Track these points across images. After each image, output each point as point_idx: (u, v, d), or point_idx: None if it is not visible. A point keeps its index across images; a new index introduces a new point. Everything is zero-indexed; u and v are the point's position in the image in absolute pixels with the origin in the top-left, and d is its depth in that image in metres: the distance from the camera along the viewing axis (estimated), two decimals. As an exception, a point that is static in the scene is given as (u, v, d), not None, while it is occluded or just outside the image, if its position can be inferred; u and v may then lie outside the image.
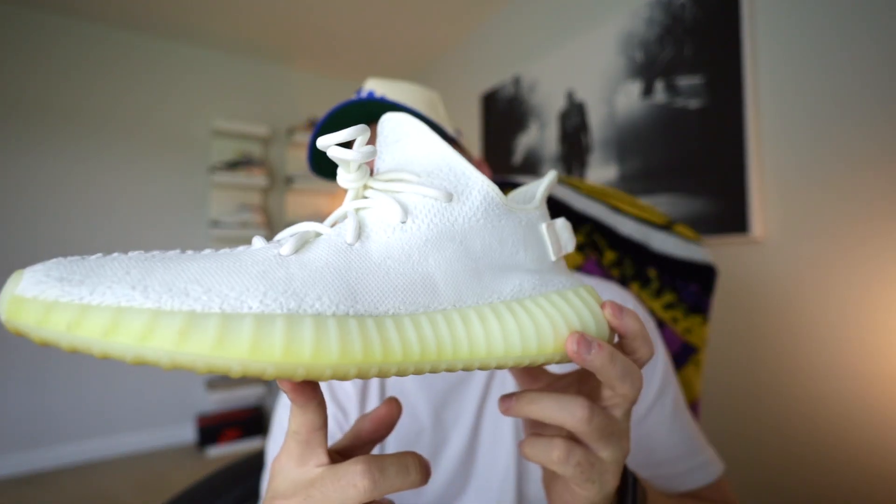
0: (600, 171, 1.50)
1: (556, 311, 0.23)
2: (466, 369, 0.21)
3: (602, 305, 0.25)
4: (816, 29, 0.99)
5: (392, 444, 0.46)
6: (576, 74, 1.60)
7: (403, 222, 0.22)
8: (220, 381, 2.28)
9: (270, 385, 2.48)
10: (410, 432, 0.46)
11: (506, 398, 0.25)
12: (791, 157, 1.02)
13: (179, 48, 2.33)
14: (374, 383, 0.49)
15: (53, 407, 2.02)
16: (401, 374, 0.19)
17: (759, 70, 1.09)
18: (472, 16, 2.07)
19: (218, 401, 2.24)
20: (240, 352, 0.16)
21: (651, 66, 1.34)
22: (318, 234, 0.21)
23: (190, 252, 0.19)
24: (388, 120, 0.25)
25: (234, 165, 2.34)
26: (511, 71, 1.93)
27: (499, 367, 0.22)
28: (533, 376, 0.29)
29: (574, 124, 1.61)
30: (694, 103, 1.22)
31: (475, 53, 2.19)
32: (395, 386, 0.48)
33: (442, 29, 2.18)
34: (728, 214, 1.12)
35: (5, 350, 1.94)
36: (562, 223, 0.26)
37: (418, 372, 0.20)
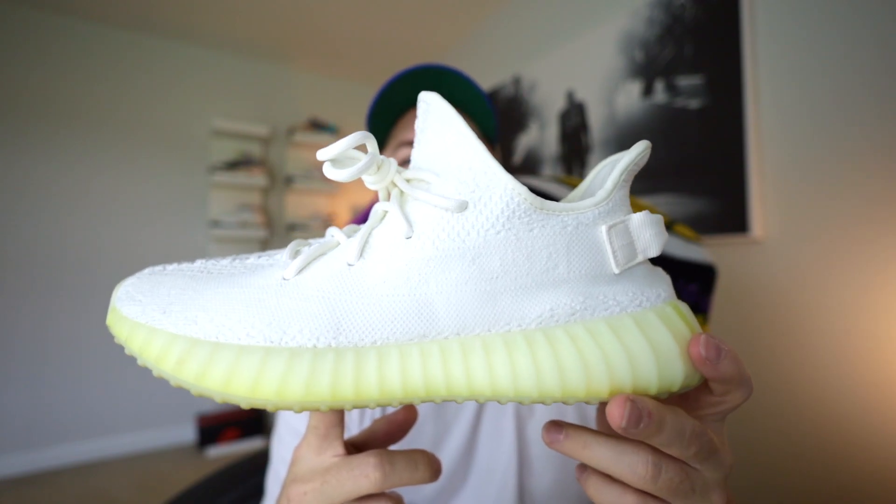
0: (600, 171, 1.50)
1: (596, 350, 0.18)
2: (473, 400, 0.19)
3: (691, 343, 0.19)
4: (816, 29, 0.99)
5: None
6: (576, 74, 1.60)
7: (409, 238, 0.19)
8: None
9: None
10: None
11: (553, 429, 0.21)
12: (791, 157, 1.02)
13: (179, 48, 2.33)
14: None
15: (53, 407, 2.02)
16: (386, 405, 0.18)
17: (759, 70, 1.09)
18: (472, 16, 2.07)
19: (218, 401, 2.24)
20: (216, 383, 0.17)
21: (651, 66, 1.34)
22: (338, 244, 0.21)
23: (229, 262, 0.21)
24: (421, 101, 0.21)
25: (233, 165, 2.34)
26: (511, 71, 1.93)
27: (516, 402, 0.19)
28: None
29: (574, 124, 1.61)
30: (694, 103, 1.22)
31: (475, 53, 2.19)
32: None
33: (442, 29, 2.18)
34: (728, 214, 1.12)
35: (5, 350, 1.94)
36: (641, 219, 0.20)
37: (405, 403, 0.19)
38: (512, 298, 0.19)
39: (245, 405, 0.17)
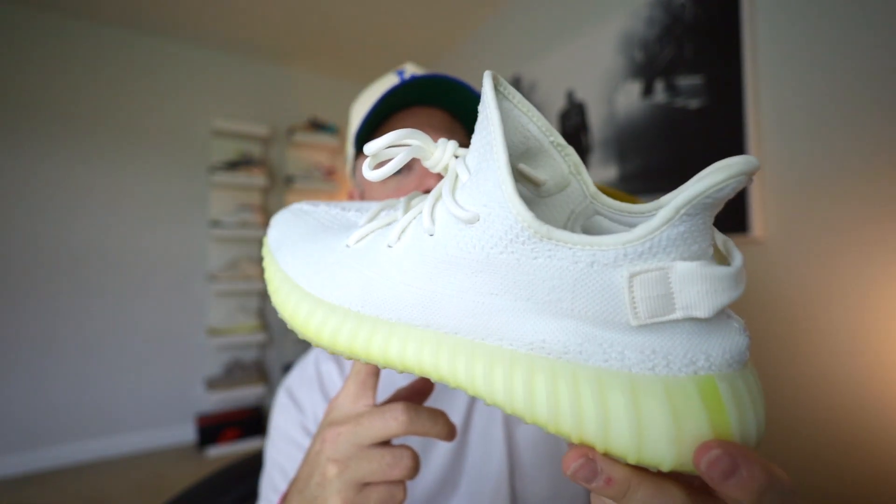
0: (600, 171, 1.50)
1: (571, 398, 0.16)
2: (462, 389, 0.21)
3: (701, 447, 0.15)
4: (817, 29, 0.98)
5: None
6: (576, 74, 1.60)
7: (431, 235, 0.20)
8: (219, 380, 2.28)
9: (269, 385, 2.48)
10: None
11: (577, 454, 0.17)
12: (791, 157, 1.02)
13: (179, 48, 2.33)
14: None
15: (53, 407, 2.02)
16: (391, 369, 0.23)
17: (759, 70, 1.09)
18: (472, 16, 2.07)
19: (218, 401, 2.24)
20: (287, 314, 0.25)
21: (651, 66, 1.34)
22: (394, 220, 0.24)
23: (343, 213, 0.29)
24: (486, 77, 0.20)
25: (233, 165, 2.34)
26: (511, 71, 1.93)
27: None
28: None
29: (574, 124, 1.61)
30: (694, 103, 1.22)
31: (475, 53, 2.19)
32: (385, 380, 0.48)
33: (442, 29, 2.18)
34: (728, 214, 1.12)
35: (5, 350, 1.94)
36: (690, 270, 0.15)
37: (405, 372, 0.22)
38: (508, 317, 0.18)
39: (298, 335, 0.25)
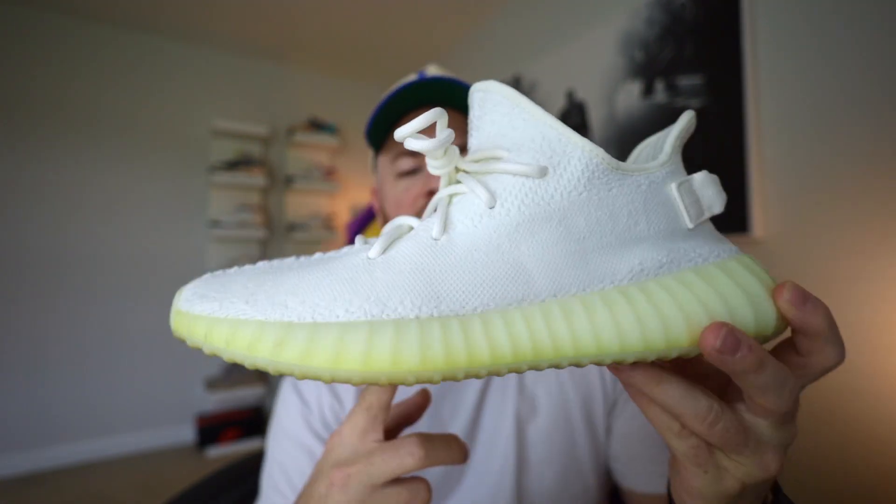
0: (600, 171, 1.50)
1: (692, 296, 0.18)
2: (575, 365, 0.19)
3: (777, 288, 0.19)
4: (817, 28, 0.98)
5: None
6: (576, 74, 1.60)
7: (491, 208, 0.19)
8: (219, 381, 2.28)
9: (270, 385, 2.48)
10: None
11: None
12: (791, 157, 1.02)
13: (179, 47, 2.33)
14: None
15: (53, 407, 2.02)
16: (495, 374, 0.18)
17: (759, 70, 1.09)
18: (472, 16, 2.07)
19: (218, 401, 2.24)
20: (324, 361, 0.16)
21: (651, 65, 1.34)
22: (411, 228, 0.21)
23: (294, 260, 0.21)
24: (476, 90, 0.21)
25: (233, 165, 2.34)
26: (511, 71, 1.92)
27: (617, 363, 0.19)
28: None
29: (574, 124, 1.61)
30: (694, 103, 1.22)
31: (475, 53, 2.19)
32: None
33: (442, 29, 2.18)
34: (728, 214, 1.12)
35: (5, 350, 1.94)
36: (702, 178, 0.21)
37: (516, 371, 0.18)
38: (601, 257, 0.19)
39: (357, 380, 0.17)
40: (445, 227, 0.20)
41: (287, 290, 0.18)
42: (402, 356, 0.16)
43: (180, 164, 2.31)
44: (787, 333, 0.20)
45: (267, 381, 2.43)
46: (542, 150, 0.20)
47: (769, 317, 0.19)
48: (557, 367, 0.18)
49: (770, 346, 0.21)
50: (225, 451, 2.15)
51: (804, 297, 0.18)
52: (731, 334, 0.17)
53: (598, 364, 0.18)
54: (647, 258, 0.20)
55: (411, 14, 2.06)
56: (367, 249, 0.20)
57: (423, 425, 0.45)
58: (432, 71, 0.50)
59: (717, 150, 1.15)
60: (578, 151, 0.19)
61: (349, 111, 2.80)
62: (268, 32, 2.23)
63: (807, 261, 0.99)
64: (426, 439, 0.25)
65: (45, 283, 2.01)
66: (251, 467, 0.67)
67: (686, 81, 1.24)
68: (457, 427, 0.46)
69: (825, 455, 0.96)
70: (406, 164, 0.48)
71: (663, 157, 0.21)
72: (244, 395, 2.26)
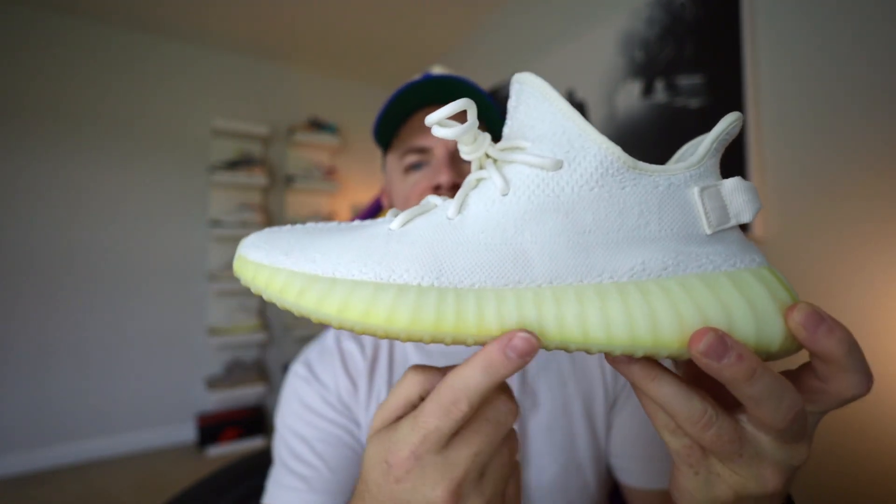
0: (600, 171, 1.50)
1: (689, 301, 0.18)
2: (562, 350, 0.19)
3: (790, 307, 0.18)
4: (817, 28, 0.98)
5: None
6: (576, 74, 1.60)
7: (504, 195, 0.21)
8: (220, 380, 2.28)
9: (270, 384, 2.48)
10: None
11: (623, 358, 0.20)
12: (791, 157, 1.02)
13: (179, 47, 2.33)
14: (383, 358, 0.51)
15: (54, 406, 2.02)
16: (481, 344, 0.19)
17: (759, 70, 1.09)
18: (472, 16, 2.07)
19: (218, 400, 2.24)
20: (333, 310, 0.19)
21: (651, 65, 1.34)
22: (435, 206, 0.23)
23: (336, 224, 0.24)
24: (515, 81, 0.23)
25: (234, 165, 2.34)
26: (511, 71, 1.92)
27: (604, 352, 0.19)
28: None
29: (574, 124, 1.60)
30: (694, 103, 1.22)
31: (475, 53, 2.19)
32: (399, 362, 0.50)
33: (442, 29, 2.18)
34: (728, 214, 1.12)
35: (5, 350, 1.94)
36: (734, 184, 0.20)
37: None
38: (604, 252, 0.20)
39: (359, 329, 0.19)
40: (461, 208, 0.21)
41: (317, 249, 0.21)
42: (396, 315, 0.19)
43: (181, 163, 2.31)
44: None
45: (267, 380, 2.44)
46: (561, 144, 0.20)
47: (774, 333, 0.18)
48: (545, 349, 0.19)
49: (795, 364, 0.21)
50: (225, 451, 2.15)
51: (818, 321, 0.18)
52: (719, 340, 0.17)
53: (587, 352, 0.19)
54: (651, 259, 0.20)
55: (411, 14, 2.06)
56: (391, 221, 0.22)
57: None
58: (437, 71, 0.51)
59: (717, 149, 1.15)
60: (595, 148, 0.20)
61: (349, 111, 2.80)
62: (268, 32, 2.23)
63: (806, 260, 0.99)
64: (423, 368, 0.23)
65: (46, 283, 2.01)
66: (252, 467, 0.67)
67: (686, 81, 1.24)
68: None
69: (825, 458, 0.96)
70: (413, 158, 0.49)
71: (694, 159, 0.21)
72: (245, 394, 2.26)
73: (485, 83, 2.09)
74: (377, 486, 0.21)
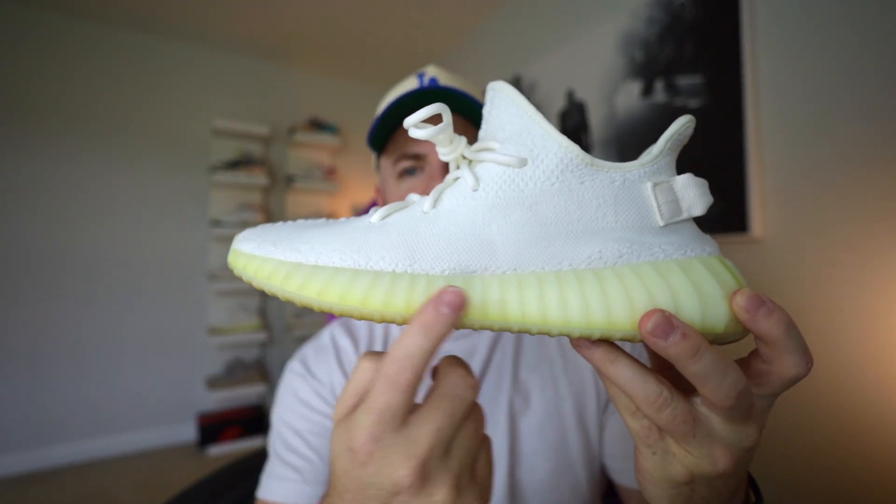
0: (600, 171, 1.50)
1: (641, 285, 0.20)
2: (524, 332, 0.21)
3: (735, 292, 0.20)
4: (816, 28, 0.99)
5: None
6: (576, 74, 1.60)
7: (475, 191, 0.23)
8: (220, 379, 2.29)
9: (271, 384, 2.48)
10: None
11: (584, 342, 0.21)
12: (791, 157, 1.03)
13: (179, 47, 2.33)
14: (378, 348, 0.51)
15: (53, 406, 2.03)
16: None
17: (759, 70, 1.09)
18: (472, 16, 2.07)
19: (219, 400, 2.24)
20: (313, 293, 0.21)
21: (651, 65, 1.34)
22: (413, 203, 0.25)
23: (324, 220, 0.26)
24: (490, 88, 0.25)
25: (234, 165, 2.34)
26: (511, 71, 1.93)
27: (563, 335, 0.21)
28: None
29: (574, 124, 1.61)
30: (694, 103, 1.22)
31: (475, 53, 2.19)
32: None
33: (442, 29, 2.18)
34: (728, 214, 1.12)
35: (5, 349, 1.94)
36: (685, 180, 0.22)
37: (469, 327, 0.21)
38: (564, 241, 0.22)
39: (337, 311, 0.21)
40: (436, 203, 0.23)
41: (303, 240, 0.23)
42: (370, 298, 0.21)
43: (181, 163, 2.31)
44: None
45: (268, 380, 2.44)
46: (526, 144, 0.22)
47: (719, 316, 0.20)
48: (508, 331, 0.21)
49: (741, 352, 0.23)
50: (226, 450, 2.15)
51: (758, 304, 0.19)
52: (665, 320, 0.18)
53: (547, 334, 0.21)
54: (607, 248, 0.21)
55: (411, 14, 2.06)
56: (373, 216, 0.24)
57: None
58: (431, 72, 0.51)
59: (717, 149, 1.15)
60: (556, 147, 0.22)
61: (350, 111, 2.80)
62: (268, 32, 2.23)
63: (805, 260, 0.99)
64: (373, 355, 0.23)
65: (47, 283, 2.02)
66: (252, 466, 0.67)
67: (686, 81, 1.24)
68: None
69: (824, 458, 0.96)
70: (406, 164, 0.49)
71: (647, 157, 0.23)
72: (245, 393, 2.26)
73: (485, 83, 2.09)
74: (346, 474, 0.21)
